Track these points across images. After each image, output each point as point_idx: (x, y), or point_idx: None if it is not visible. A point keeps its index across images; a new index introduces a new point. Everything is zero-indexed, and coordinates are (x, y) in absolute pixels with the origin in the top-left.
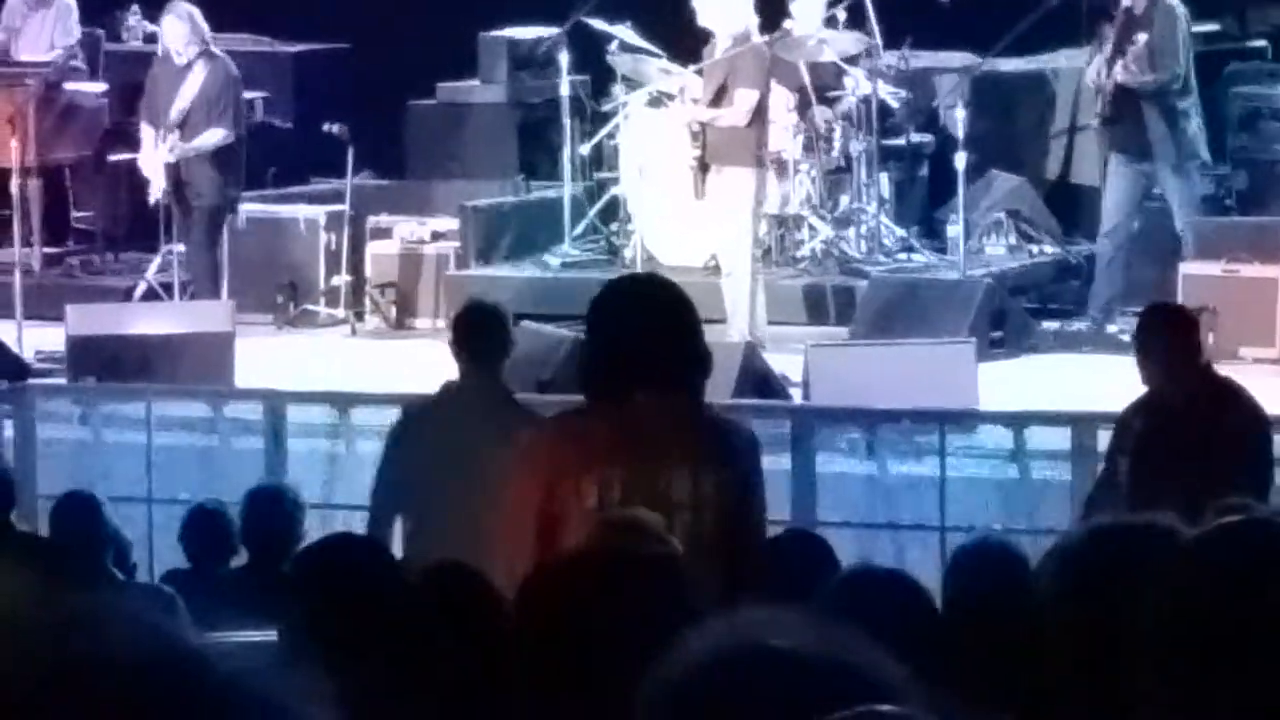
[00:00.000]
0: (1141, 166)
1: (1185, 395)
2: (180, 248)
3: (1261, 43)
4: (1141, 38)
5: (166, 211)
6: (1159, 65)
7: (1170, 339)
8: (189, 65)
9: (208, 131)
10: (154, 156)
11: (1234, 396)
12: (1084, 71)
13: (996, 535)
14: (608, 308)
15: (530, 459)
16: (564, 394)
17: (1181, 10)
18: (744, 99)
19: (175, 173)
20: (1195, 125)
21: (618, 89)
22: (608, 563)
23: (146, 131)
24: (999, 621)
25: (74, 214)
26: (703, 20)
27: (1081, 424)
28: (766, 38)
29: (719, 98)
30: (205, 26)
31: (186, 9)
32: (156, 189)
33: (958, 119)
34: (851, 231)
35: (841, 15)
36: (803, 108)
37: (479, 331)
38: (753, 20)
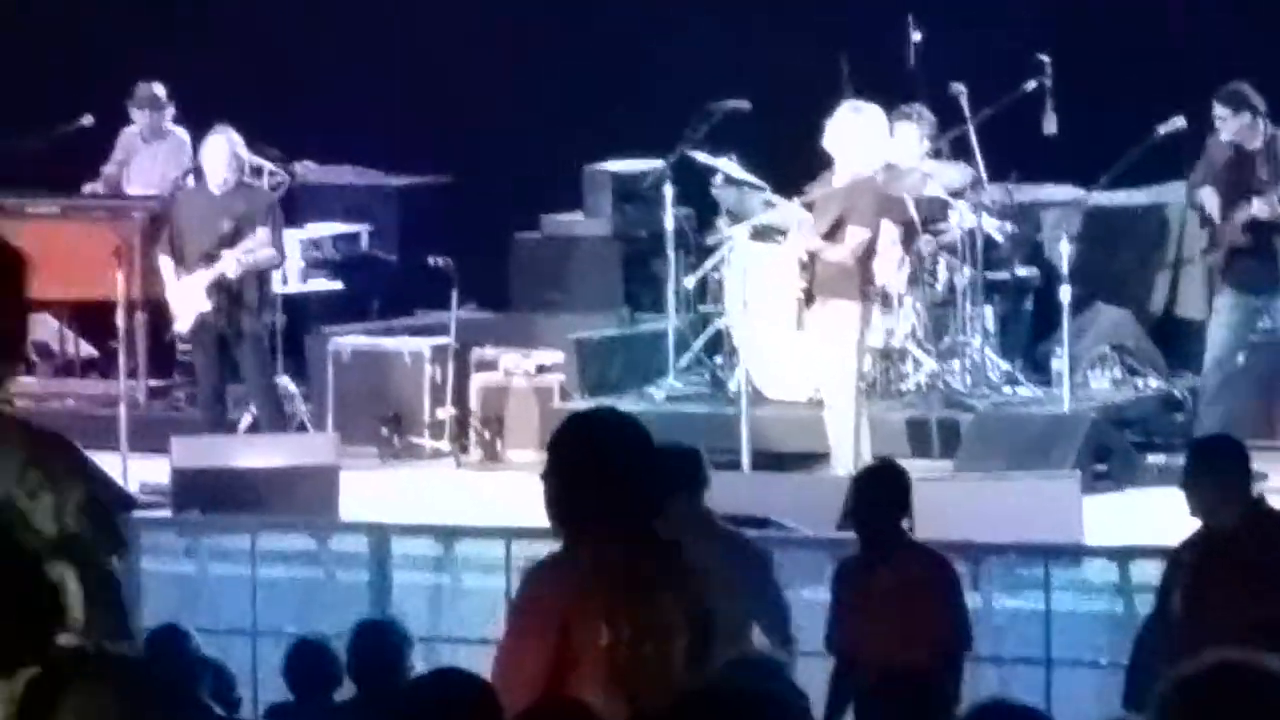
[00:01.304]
0: (1257, 301)
1: (1233, 529)
2: (285, 380)
3: None
4: (1266, 175)
5: (204, 343)
6: None
7: (1216, 473)
8: (226, 193)
9: (261, 250)
10: (180, 288)
11: None
12: (1201, 204)
13: None
14: (582, 445)
15: (538, 606)
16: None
17: None
18: (855, 236)
19: (225, 294)
20: None
21: (722, 222)
22: (745, 701)
23: (166, 264)
24: None
25: (179, 347)
26: (828, 144)
27: None
28: (878, 173)
29: (834, 231)
30: (245, 155)
31: (233, 135)
32: (186, 321)
33: (1062, 252)
34: (956, 364)
35: (946, 148)
36: (908, 240)
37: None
38: (880, 166)
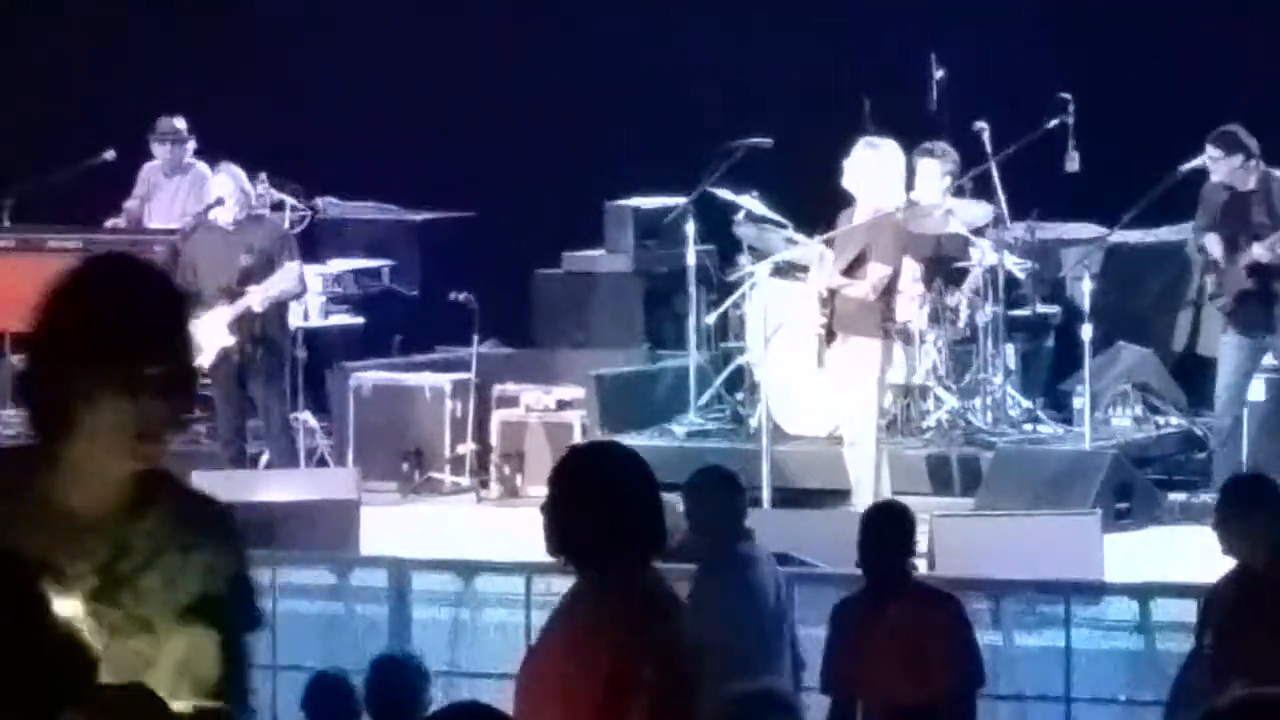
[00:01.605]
0: (1260, 342)
1: (1266, 568)
2: (305, 414)
3: None
4: (1263, 216)
5: (224, 377)
6: None
7: (1248, 513)
8: (238, 228)
9: (284, 282)
10: (200, 324)
11: None
12: (1205, 250)
13: None
14: (592, 476)
15: (590, 640)
16: (689, 563)
17: None
18: (876, 272)
19: (246, 329)
20: None
21: (743, 258)
22: None
23: None
24: None
25: (200, 380)
26: (848, 183)
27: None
28: (895, 207)
29: (855, 267)
30: (252, 189)
31: (236, 170)
32: (207, 355)
33: (1084, 290)
34: (977, 402)
35: (968, 185)
36: (929, 278)
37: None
38: (900, 200)
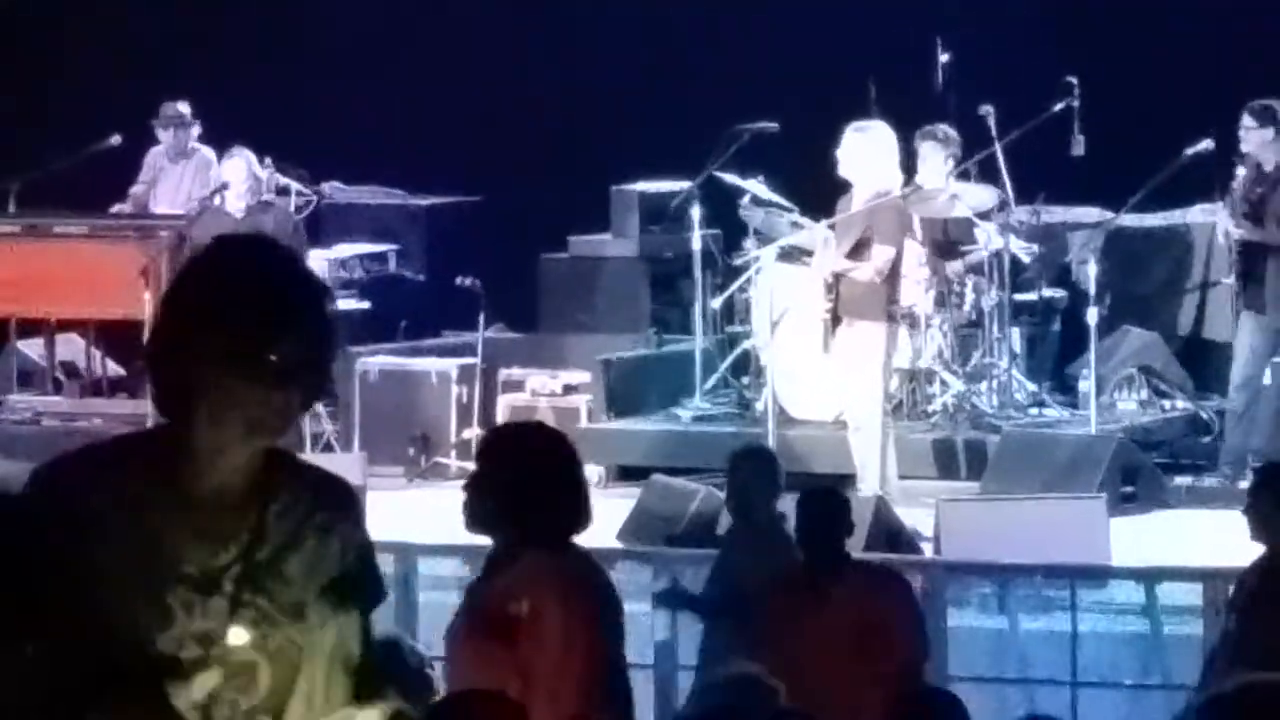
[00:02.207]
0: (1271, 321)
1: None
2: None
3: None
4: (1270, 194)
5: None
6: None
7: (1275, 497)
8: (248, 214)
9: None
10: None
11: None
12: (1215, 226)
13: None
14: (538, 454)
15: (566, 608)
16: (695, 547)
17: None
18: (880, 255)
19: None
20: None
21: (749, 243)
22: None
23: None
24: None
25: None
26: (844, 171)
27: (1213, 580)
28: (901, 192)
29: (857, 251)
30: (263, 175)
31: (250, 155)
32: None
33: (1089, 274)
34: (983, 386)
35: (974, 169)
36: (934, 262)
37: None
38: (897, 180)
